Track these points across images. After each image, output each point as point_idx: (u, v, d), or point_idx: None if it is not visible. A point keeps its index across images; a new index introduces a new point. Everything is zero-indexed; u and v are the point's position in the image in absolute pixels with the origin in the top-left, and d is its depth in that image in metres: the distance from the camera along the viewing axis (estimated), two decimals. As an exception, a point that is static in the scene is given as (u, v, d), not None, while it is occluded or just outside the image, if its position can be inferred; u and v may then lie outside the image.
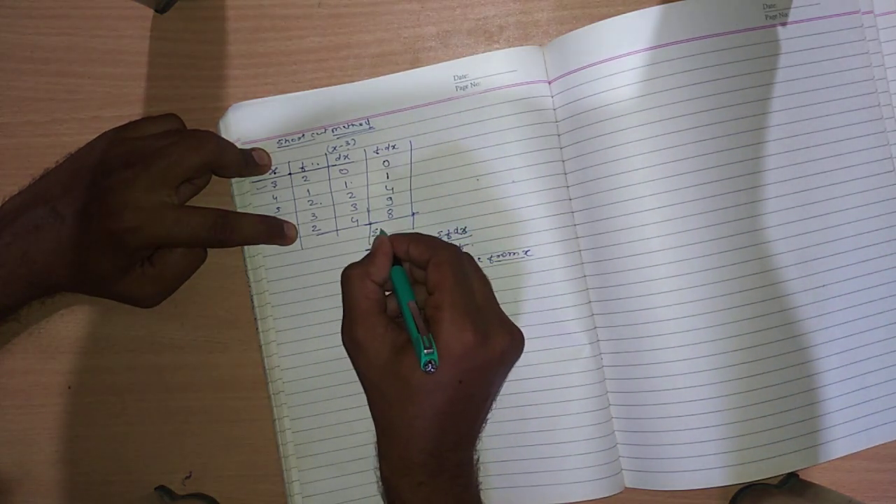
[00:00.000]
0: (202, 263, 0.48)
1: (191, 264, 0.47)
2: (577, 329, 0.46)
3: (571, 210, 0.46)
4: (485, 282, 0.44)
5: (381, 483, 0.42)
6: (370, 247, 0.47)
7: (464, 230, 0.47)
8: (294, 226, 0.48)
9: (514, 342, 0.43)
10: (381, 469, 0.42)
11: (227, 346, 0.48)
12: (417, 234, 0.45)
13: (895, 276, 0.46)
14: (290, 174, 0.48)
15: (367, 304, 0.42)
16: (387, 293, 0.44)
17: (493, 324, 0.42)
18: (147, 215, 0.42)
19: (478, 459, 0.43)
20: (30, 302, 0.45)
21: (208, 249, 0.48)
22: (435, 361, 0.39)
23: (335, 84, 0.48)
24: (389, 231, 0.46)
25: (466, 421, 0.42)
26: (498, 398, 0.46)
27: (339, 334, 0.44)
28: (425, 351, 0.39)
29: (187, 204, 0.47)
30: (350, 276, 0.42)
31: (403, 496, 0.40)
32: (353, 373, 0.45)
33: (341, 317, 0.44)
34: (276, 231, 0.47)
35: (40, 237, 0.43)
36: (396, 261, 0.43)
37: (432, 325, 0.40)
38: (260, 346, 0.48)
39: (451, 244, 0.44)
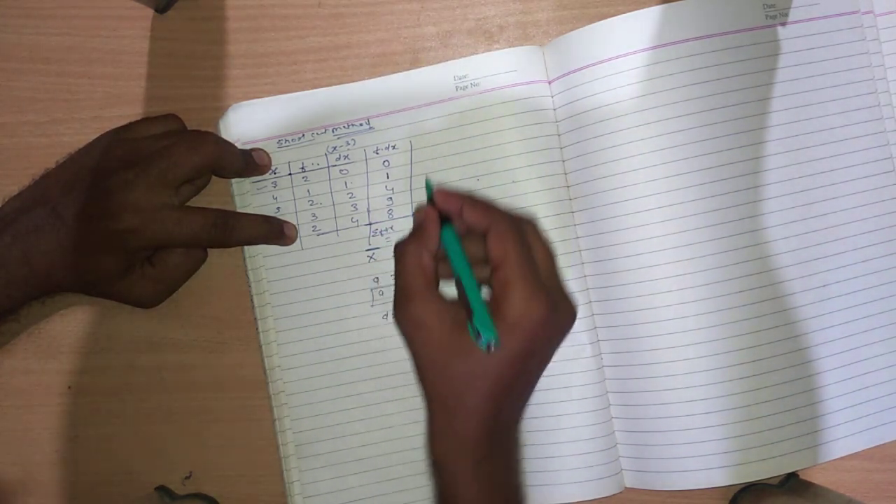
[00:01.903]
0: (202, 263, 0.48)
1: (191, 264, 0.47)
2: (578, 329, 0.46)
3: (571, 210, 0.46)
4: (548, 251, 0.43)
5: (431, 465, 0.41)
6: (370, 246, 0.47)
7: (464, 230, 0.47)
8: (294, 226, 0.48)
9: (574, 314, 0.43)
10: (433, 450, 0.41)
11: (227, 346, 0.48)
12: (472, 195, 0.43)
13: (895, 276, 0.46)
14: (290, 174, 0.48)
15: (423, 279, 0.40)
16: None
17: (560, 296, 0.42)
18: (147, 216, 0.42)
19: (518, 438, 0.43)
20: (30, 302, 0.45)
21: (208, 249, 0.48)
22: (496, 342, 0.38)
23: (335, 84, 0.48)
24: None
25: (523, 397, 0.42)
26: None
27: (339, 334, 0.44)
28: (485, 333, 0.38)
29: (187, 204, 0.47)
30: (405, 251, 0.41)
31: (460, 476, 0.39)
32: (354, 373, 0.45)
33: (340, 318, 0.44)
34: (276, 231, 0.47)
35: (40, 238, 0.43)
36: (442, 221, 0.42)
37: (500, 300, 0.39)
38: (260, 346, 0.48)
39: (510, 212, 0.43)
